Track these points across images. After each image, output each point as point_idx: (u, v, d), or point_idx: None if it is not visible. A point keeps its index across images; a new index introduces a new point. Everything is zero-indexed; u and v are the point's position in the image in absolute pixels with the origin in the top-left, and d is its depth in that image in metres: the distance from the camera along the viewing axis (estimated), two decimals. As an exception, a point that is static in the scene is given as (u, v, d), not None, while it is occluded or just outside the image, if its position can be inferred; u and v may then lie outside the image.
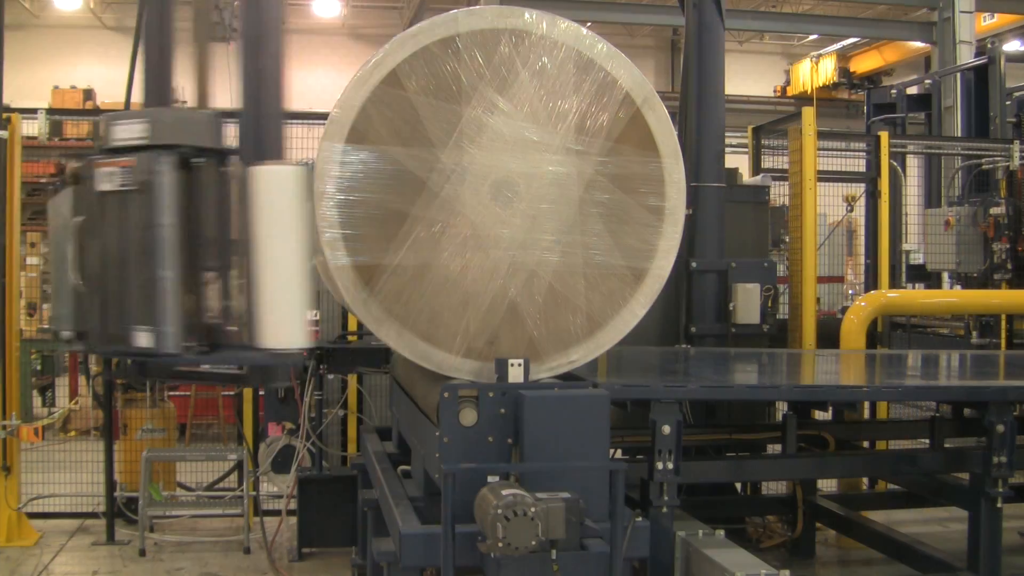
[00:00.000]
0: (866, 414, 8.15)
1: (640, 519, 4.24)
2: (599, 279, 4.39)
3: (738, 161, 8.49)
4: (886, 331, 8.47)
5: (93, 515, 7.85)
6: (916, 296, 9.21)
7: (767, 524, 7.29)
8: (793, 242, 8.04)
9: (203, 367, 4.26)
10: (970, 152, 10.41)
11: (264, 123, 4.30)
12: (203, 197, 3.98)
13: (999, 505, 5.40)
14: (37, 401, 11.68)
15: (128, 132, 3.92)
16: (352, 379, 7.71)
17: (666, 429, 4.71)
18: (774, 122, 9.29)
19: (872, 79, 21.72)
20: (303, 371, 6.99)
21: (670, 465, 4.73)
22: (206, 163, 3.99)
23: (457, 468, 3.92)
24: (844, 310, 8.11)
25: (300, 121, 8.22)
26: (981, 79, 11.83)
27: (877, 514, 7.26)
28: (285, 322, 4.03)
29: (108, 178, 3.90)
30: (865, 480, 8.01)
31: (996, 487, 5.35)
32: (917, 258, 10.19)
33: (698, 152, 7.25)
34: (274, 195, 4.04)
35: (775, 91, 24.13)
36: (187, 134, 3.97)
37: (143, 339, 3.88)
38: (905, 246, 9.90)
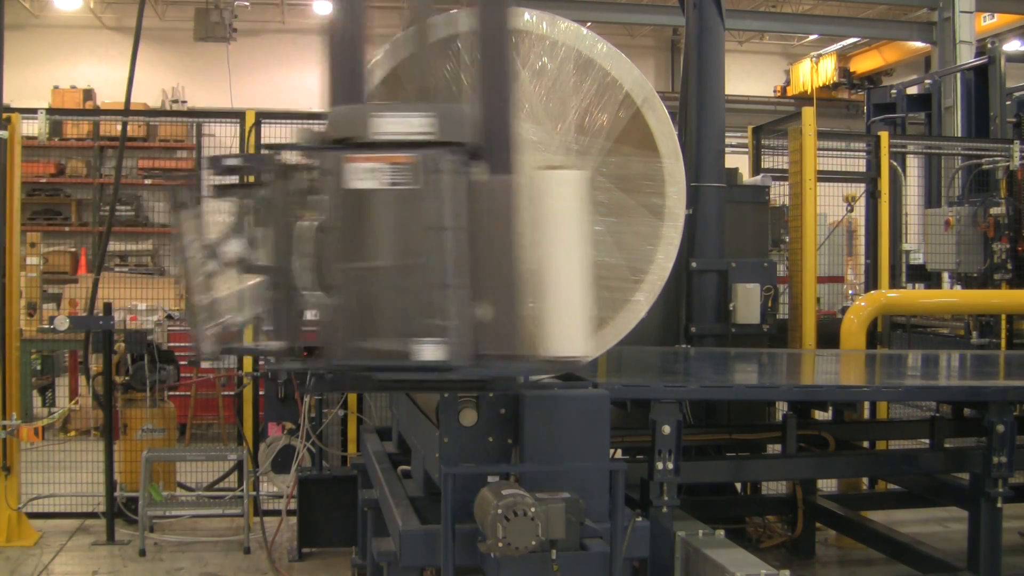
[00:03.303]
0: (866, 414, 8.15)
1: (640, 519, 4.24)
2: (599, 279, 4.39)
3: (738, 161, 8.48)
4: (886, 331, 8.46)
5: (93, 515, 7.85)
6: (916, 296, 9.21)
7: (767, 524, 7.29)
8: (793, 242, 8.04)
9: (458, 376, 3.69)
10: (970, 152, 10.39)
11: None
12: (478, 199, 3.58)
13: (999, 505, 5.40)
14: (37, 401, 11.66)
15: (404, 126, 3.53)
16: (352, 379, 7.69)
17: (666, 429, 4.72)
18: (774, 122, 9.25)
19: (872, 79, 21.67)
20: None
21: (670, 465, 4.73)
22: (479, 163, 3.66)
23: (457, 468, 3.92)
24: (844, 310, 8.12)
25: (300, 121, 8.23)
26: (981, 79, 11.82)
27: (877, 514, 7.26)
28: (570, 330, 3.84)
29: (370, 175, 3.47)
30: (865, 480, 8.00)
31: (996, 487, 5.35)
32: (917, 258, 10.18)
33: (698, 152, 7.24)
34: (564, 200, 3.85)
35: (775, 91, 24.06)
36: (469, 132, 3.60)
37: (428, 352, 3.45)
38: (905, 246, 9.89)
